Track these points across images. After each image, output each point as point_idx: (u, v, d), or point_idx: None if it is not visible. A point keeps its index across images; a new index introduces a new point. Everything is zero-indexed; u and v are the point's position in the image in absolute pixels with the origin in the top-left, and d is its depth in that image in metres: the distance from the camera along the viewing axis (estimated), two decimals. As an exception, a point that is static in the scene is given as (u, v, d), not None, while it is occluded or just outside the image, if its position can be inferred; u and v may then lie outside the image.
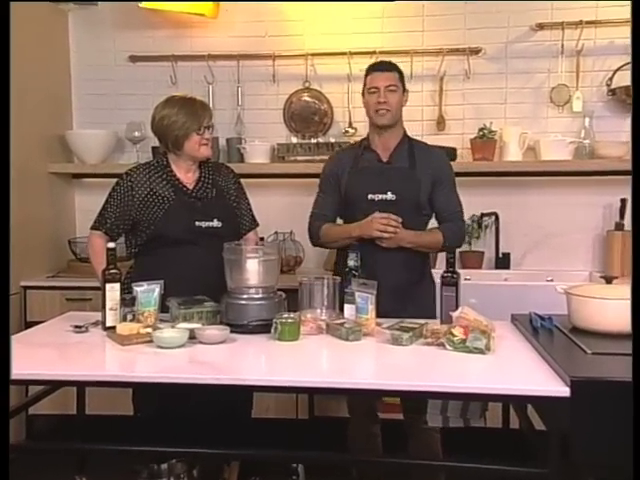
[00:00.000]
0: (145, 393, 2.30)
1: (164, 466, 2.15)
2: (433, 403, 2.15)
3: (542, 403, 1.52)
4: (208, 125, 2.40)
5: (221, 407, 2.28)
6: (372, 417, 2.45)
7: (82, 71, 3.70)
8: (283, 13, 3.56)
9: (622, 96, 3.34)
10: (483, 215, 3.47)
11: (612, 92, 3.37)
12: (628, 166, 3.24)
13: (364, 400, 2.39)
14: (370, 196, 2.41)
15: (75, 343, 1.94)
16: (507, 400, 1.73)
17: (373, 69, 2.47)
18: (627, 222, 3.34)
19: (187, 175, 2.46)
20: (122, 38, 3.66)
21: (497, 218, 3.49)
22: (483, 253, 3.53)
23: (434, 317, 2.30)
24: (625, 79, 3.33)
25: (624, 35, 3.33)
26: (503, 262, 3.50)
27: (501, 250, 3.50)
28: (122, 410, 2.53)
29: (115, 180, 2.46)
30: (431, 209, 2.46)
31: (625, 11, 3.30)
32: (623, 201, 3.35)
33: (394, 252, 2.35)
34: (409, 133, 2.56)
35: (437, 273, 2.46)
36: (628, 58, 3.36)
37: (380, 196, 2.40)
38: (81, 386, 2.09)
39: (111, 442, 1.74)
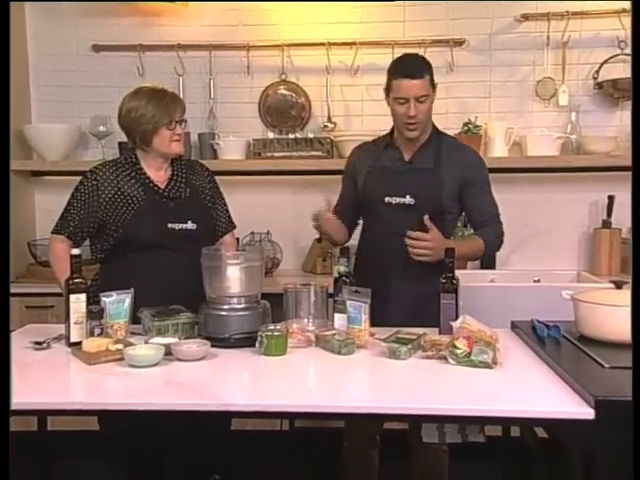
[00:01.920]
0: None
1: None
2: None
3: (564, 426, 1.38)
4: (180, 119, 2.22)
5: (197, 423, 2.11)
6: (371, 440, 2.29)
7: (41, 61, 3.46)
8: (258, 1, 3.36)
9: (609, 90, 3.26)
10: (468, 213, 3.34)
11: (599, 86, 3.28)
12: (616, 162, 3.21)
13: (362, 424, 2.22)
14: (387, 199, 2.21)
15: (35, 362, 1.73)
16: (526, 423, 1.58)
17: (401, 74, 2.11)
18: (614, 220, 3.27)
19: (158, 173, 2.27)
20: (84, 26, 3.43)
21: (482, 216, 3.37)
22: (468, 253, 3.40)
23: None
24: (612, 72, 3.26)
25: (610, 27, 3.27)
26: (488, 262, 3.37)
27: (486, 249, 3.38)
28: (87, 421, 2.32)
29: (79, 178, 2.27)
30: (460, 212, 2.25)
31: (611, 2, 3.23)
32: (610, 198, 3.27)
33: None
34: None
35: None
36: (615, 51, 3.30)
37: (398, 199, 2.20)
38: (42, 415, 1.88)
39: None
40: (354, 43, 3.33)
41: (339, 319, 1.91)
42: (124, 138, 2.35)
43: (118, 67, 3.41)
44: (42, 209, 3.47)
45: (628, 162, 3.37)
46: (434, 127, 2.29)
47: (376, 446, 2.29)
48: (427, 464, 2.16)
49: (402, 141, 2.27)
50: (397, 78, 2.12)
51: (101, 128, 3.32)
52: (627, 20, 3.21)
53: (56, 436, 2.28)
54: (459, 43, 3.34)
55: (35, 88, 3.48)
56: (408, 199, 2.19)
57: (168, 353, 1.76)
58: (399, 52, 3.28)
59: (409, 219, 2.15)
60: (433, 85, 2.19)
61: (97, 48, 3.43)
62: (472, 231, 2.35)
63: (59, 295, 2.14)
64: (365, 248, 2.33)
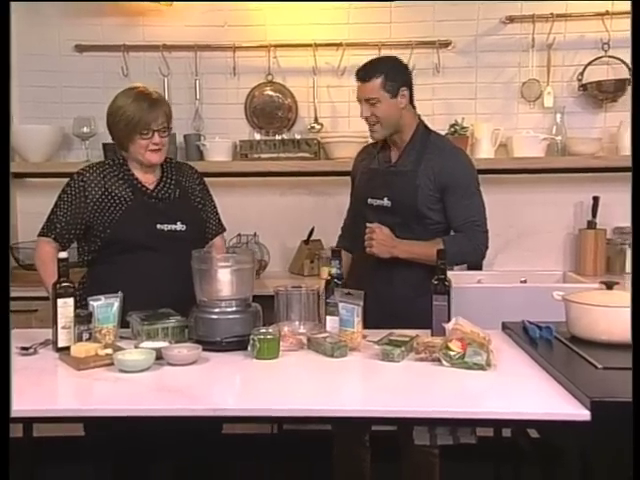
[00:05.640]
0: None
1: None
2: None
3: (560, 428, 1.38)
4: (160, 128, 2.12)
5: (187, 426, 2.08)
6: (360, 440, 2.27)
7: (23, 61, 3.38)
8: (243, 1, 3.34)
9: (593, 91, 3.28)
10: (455, 214, 3.34)
11: (583, 87, 3.30)
12: (600, 163, 3.23)
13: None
14: (369, 200, 2.25)
15: (21, 369, 1.68)
16: (522, 425, 1.58)
17: (356, 77, 2.21)
18: (599, 220, 3.29)
19: (146, 175, 2.24)
20: (68, 26, 3.37)
21: (469, 217, 3.37)
22: (455, 254, 3.41)
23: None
24: (595, 74, 3.29)
25: (594, 29, 3.29)
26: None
27: (473, 250, 3.39)
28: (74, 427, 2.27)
29: (63, 180, 2.23)
30: (445, 219, 2.22)
31: (595, 5, 3.26)
32: (595, 199, 3.29)
33: (387, 265, 2.15)
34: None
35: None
36: (598, 52, 3.33)
37: (378, 201, 2.23)
38: (29, 422, 1.84)
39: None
40: (341, 44, 3.32)
41: (331, 321, 1.90)
42: (108, 139, 2.32)
43: (102, 68, 3.37)
44: (24, 212, 3.40)
45: (612, 163, 3.43)
46: (424, 128, 2.27)
47: (365, 446, 2.27)
48: (418, 467, 2.14)
49: (390, 142, 2.28)
50: (356, 80, 2.23)
51: (85, 129, 3.28)
52: (610, 22, 3.24)
53: (42, 442, 2.24)
54: (445, 45, 3.34)
55: (17, 89, 3.39)
56: (386, 201, 2.21)
57: (159, 357, 1.73)
58: (385, 53, 3.31)
59: (387, 222, 2.17)
60: (394, 90, 2.16)
61: (80, 48, 3.38)
62: None
63: (43, 299, 2.10)
64: (356, 250, 2.33)
